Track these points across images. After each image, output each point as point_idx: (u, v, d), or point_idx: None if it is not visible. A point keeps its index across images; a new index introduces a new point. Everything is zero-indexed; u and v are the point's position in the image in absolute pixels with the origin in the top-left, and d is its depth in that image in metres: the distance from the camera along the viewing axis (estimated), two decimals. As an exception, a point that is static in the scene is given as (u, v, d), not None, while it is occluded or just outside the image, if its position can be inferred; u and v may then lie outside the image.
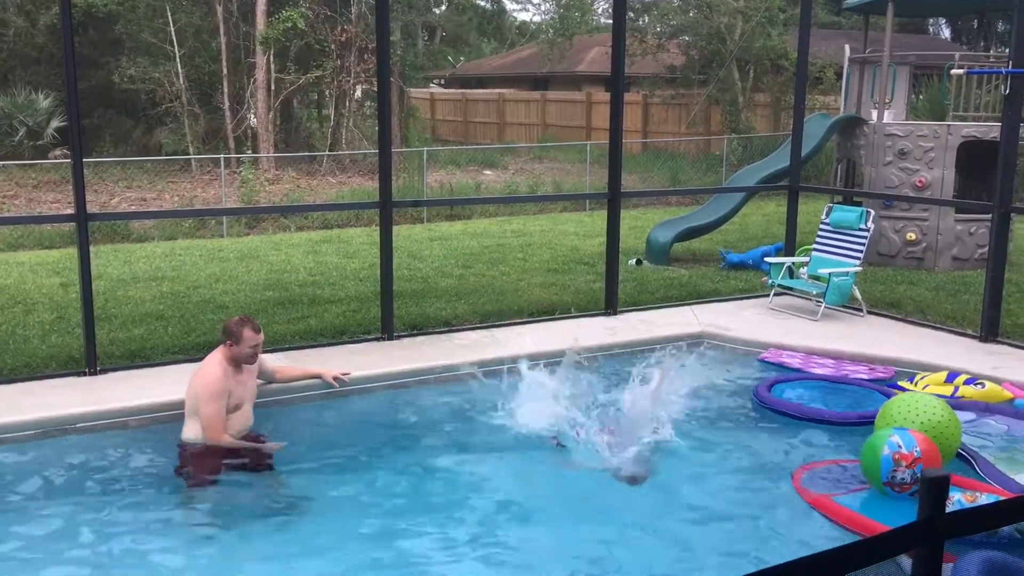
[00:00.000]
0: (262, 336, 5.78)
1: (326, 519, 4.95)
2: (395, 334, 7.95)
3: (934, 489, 2.02)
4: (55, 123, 23.49)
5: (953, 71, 10.11)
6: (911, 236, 12.10)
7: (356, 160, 22.89)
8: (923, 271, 11.82)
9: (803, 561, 1.88)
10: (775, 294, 9.38)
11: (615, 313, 8.99)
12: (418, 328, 8.41)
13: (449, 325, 8.59)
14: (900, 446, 4.95)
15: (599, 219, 17.08)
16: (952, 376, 6.85)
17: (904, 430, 5.09)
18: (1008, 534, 4.54)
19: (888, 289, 10.43)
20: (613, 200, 8.99)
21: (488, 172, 22.64)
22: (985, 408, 6.44)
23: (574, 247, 13.44)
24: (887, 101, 12.42)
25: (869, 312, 9.11)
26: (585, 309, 9.23)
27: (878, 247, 12.32)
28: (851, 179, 13.43)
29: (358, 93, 23.84)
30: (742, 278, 10.94)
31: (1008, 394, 6.67)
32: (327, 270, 11.12)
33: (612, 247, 9.01)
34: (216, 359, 5.65)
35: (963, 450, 5.67)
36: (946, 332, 8.45)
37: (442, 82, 44.94)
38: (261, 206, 16.53)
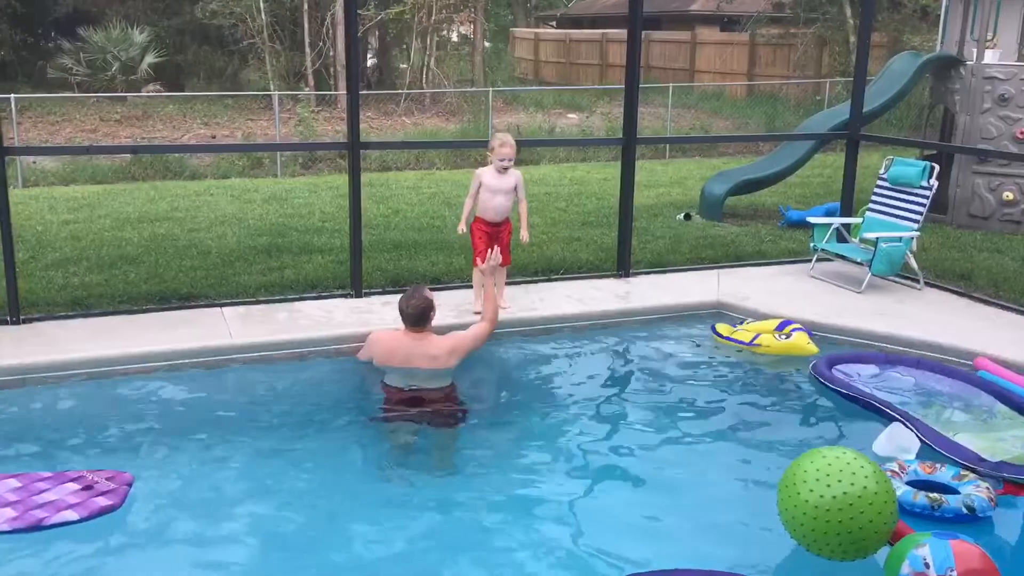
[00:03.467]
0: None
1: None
2: (364, 291, 7.20)
3: None
4: (149, 58, 23.61)
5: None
6: (1008, 196, 10.50)
7: (438, 100, 22.17)
8: (1019, 236, 10.25)
9: None
10: (817, 259, 8.16)
11: (627, 276, 7.99)
12: (400, 284, 7.64)
13: (439, 282, 7.78)
14: (928, 565, 3.37)
15: (673, 168, 15.90)
16: (784, 324, 6.39)
17: (943, 541, 3.42)
18: (955, 509, 4.05)
19: (966, 257, 9.01)
20: (628, 147, 7.92)
21: (572, 115, 21.52)
22: (886, 360, 5.98)
23: (626, 198, 12.34)
24: (989, 38, 10.75)
25: (929, 284, 7.80)
26: (601, 268, 8.28)
27: (969, 207, 10.78)
28: (947, 129, 11.81)
29: (454, 35, 23.02)
30: (794, 239, 9.69)
31: (813, 348, 6.15)
32: (346, 215, 10.44)
33: (626, 201, 7.97)
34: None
35: (900, 416, 5.02)
36: (1014, 312, 7.09)
37: (554, 24, 43.57)
38: (258, 144, 16.26)
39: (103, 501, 3.76)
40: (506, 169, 6.55)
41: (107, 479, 3.94)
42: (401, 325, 5.81)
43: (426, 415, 5.34)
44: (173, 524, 3.96)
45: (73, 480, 3.95)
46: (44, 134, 18.49)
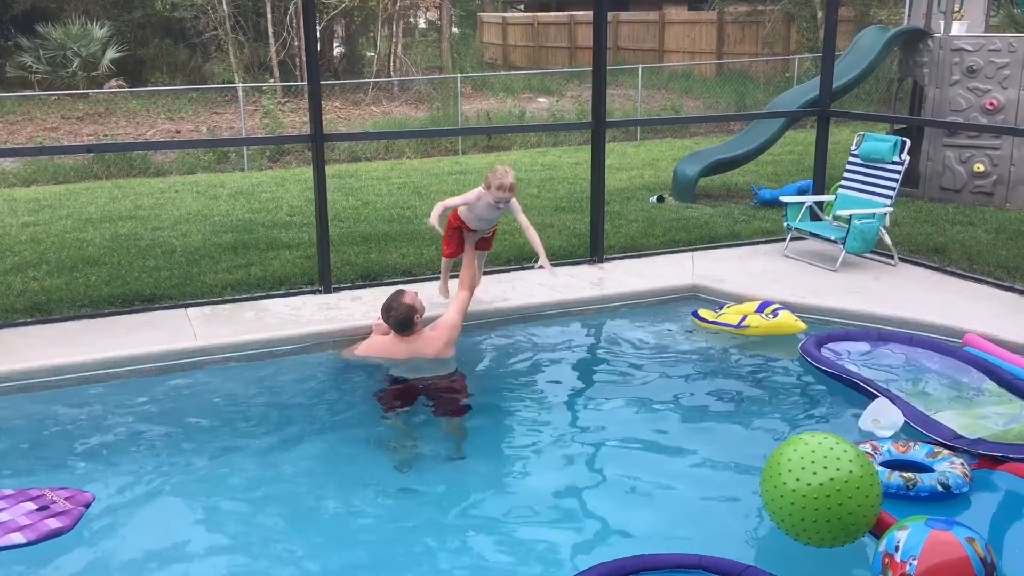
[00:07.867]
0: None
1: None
2: (333, 287, 7.05)
3: None
4: (110, 53, 23.13)
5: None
6: (979, 167, 10.48)
7: (407, 88, 21.92)
8: (991, 208, 10.25)
9: None
10: (791, 239, 8.10)
11: (601, 261, 7.89)
12: (370, 278, 7.51)
13: (411, 274, 7.65)
14: (898, 548, 3.26)
15: (645, 150, 15.80)
16: (764, 305, 6.30)
17: (925, 529, 3.29)
18: (929, 488, 3.97)
19: (939, 231, 8.98)
20: (597, 131, 7.80)
21: (542, 99, 21.36)
22: (878, 338, 5.88)
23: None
24: (956, 10, 10.70)
25: (903, 260, 7.76)
26: (575, 254, 8.18)
27: (941, 180, 10.76)
28: (917, 102, 11.78)
29: (421, 21, 22.74)
30: (768, 218, 9.62)
31: (801, 325, 6.11)
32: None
33: (597, 185, 7.86)
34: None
35: (884, 394, 4.95)
36: (989, 285, 7.06)
37: (521, 7, 43.22)
38: (221, 139, 16.03)
39: (54, 524, 3.58)
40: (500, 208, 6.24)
41: (65, 499, 3.77)
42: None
43: (433, 401, 5.30)
44: (123, 551, 3.71)
45: (33, 499, 3.79)
46: (4, 134, 18.10)
